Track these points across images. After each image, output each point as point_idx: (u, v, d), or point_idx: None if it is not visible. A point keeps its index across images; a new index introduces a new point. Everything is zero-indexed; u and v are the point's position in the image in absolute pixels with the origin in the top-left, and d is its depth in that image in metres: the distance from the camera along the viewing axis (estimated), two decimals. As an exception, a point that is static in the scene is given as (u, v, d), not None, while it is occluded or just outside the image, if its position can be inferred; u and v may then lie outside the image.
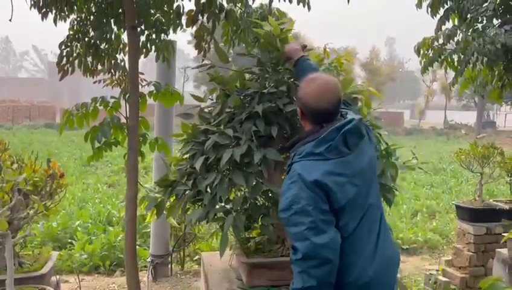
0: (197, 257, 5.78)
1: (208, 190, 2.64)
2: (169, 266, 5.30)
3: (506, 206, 4.62)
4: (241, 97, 2.68)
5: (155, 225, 5.15)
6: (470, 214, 4.60)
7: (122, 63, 3.58)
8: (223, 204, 2.65)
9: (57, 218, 6.31)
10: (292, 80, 2.71)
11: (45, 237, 5.95)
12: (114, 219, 7.07)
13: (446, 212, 8.60)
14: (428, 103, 42.55)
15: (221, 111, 2.73)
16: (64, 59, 3.40)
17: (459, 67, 4.16)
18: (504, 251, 3.88)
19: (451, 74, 4.42)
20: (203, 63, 2.98)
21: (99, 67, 3.52)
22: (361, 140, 1.96)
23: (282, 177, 2.79)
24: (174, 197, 2.90)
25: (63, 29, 3.42)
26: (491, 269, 4.25)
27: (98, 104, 2.99)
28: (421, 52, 4.28)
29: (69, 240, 6.11)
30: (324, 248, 1.76)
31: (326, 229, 1.79)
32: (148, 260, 5.20)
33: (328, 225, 1.80)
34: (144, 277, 4.95)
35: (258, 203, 2.82)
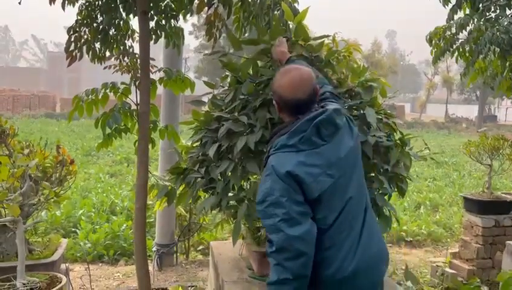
0: (201, 247, 5.77)
1: (220, 177, 2.61)
2: (175, 255, 5.29)
3: (517, 199, 4.61)
4: (255, 84, 2.64)
5: (160, 215, 5.12)
6: (478, 206, 4.58)
7: (131, 49, 3.52)
8: (235, 192, 2.62)
9: (61, 207, 6.29)
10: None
11: (49, 225, 5.94)
12: (117, 208, 7.06)
13: (449, 205, 8.59)
14: (429, 97, 42.48)
15: (234, 98, 2.68)
16: (73, 45, 3.33)
17: (470, 57, 4.11)
18: (514, 243, 3.87)
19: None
20: (216, 50, 2.92)
21: (108, 53, 3.46)
22: (338, 131, 1.91)
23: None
24: (184, 186, 2.87)
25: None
26: (499, 262, 4.24)
27: (108, 90, 2.93)
28: (433, 41, 4.22)
29: (73, 229, 6.11)
30: (298, 239, 1.72)
31: (301, 221, 1.75)
32: (153, 249, 5.18)
33: (302, 217, 1.76)
34: (149, 265, 4.93)
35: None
